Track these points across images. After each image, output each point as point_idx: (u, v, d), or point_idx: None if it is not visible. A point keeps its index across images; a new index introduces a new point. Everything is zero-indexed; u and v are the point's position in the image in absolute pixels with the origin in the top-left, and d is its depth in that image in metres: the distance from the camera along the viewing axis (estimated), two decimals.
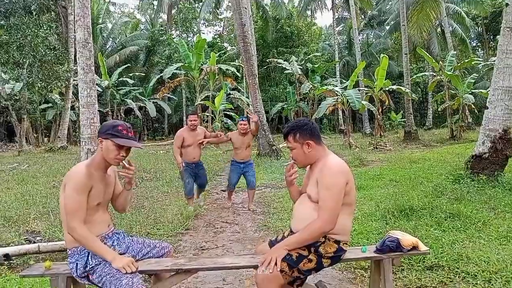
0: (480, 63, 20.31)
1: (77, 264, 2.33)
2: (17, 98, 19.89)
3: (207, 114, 22.90)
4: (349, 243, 2.46)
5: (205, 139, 6.21)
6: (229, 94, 24.69)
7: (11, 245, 4.41)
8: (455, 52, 21.72)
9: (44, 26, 16.28)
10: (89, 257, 2.32)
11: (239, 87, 28.19)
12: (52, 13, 19.94)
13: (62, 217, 2.39)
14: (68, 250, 2.39)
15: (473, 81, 19.28)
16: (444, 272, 3.31)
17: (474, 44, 36.31)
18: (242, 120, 6.41)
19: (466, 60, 19.42)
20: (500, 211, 4.90)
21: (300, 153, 2.43)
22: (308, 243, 2.30)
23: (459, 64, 18.70)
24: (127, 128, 2.38)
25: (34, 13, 16.41)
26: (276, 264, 2.24)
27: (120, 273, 2.24)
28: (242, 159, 6.41)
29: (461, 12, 26.77)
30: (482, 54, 34.30)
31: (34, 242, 4.48)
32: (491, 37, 32.84)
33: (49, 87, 18.63)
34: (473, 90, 19.36)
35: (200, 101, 22.59)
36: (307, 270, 2.32)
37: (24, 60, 16.66)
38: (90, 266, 2.30)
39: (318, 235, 2.27)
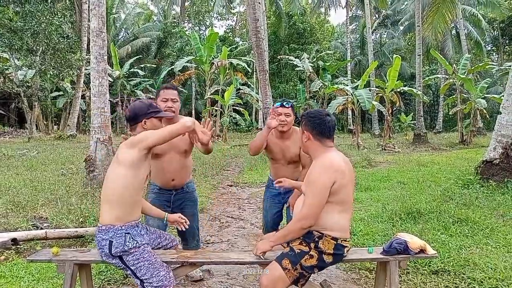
0: (494, 68, 20.05)
1: (110, 242, 2.30)
2: (29, 85, 20.08)
3: (216, 108, 22.93)
4: (349, 241, 2.43)
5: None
6: (239, 89, 24.68)
7: (19, 230, 4.46)
8: (469, 56, 21.40)
9: (59, 14, 16.43)
10: (127, 238, 2.32)
11: (249, 83, 28.13)
12: (67, 1, 20.09)
13: (108, 187, 2.34)
14: (101, 226, 2.33)
15: (486, 85, 19.02)
16: (450, 277, 3.29)
17: (489, 48, 35.80)
18: (281, 105, 3.23)
19: (480, 64, 19.15)
20: (508, 218, 4.84)
21: (300, 139, 2.53)
22: (290, 238, 2.34)
23: (472, 68, 18.44)
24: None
25: (49, 1, 16.52)
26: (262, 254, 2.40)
27: (160, 263, 2.37)
28: None
29: (477, 15, 26.41)
30: (496, 59, 33.80)
31: (42, 228, 4.53)
32: (507, 41, 32.35)
33: (61, 75, 18.84)
34: (485, 95, 19.10)
35: (210, 95, 22.61)
36: (309, 267, 2.31)
37: (38, 47, 16.83)
38: (128, 247, 2.30)
39: (297, 229, 2.28)
